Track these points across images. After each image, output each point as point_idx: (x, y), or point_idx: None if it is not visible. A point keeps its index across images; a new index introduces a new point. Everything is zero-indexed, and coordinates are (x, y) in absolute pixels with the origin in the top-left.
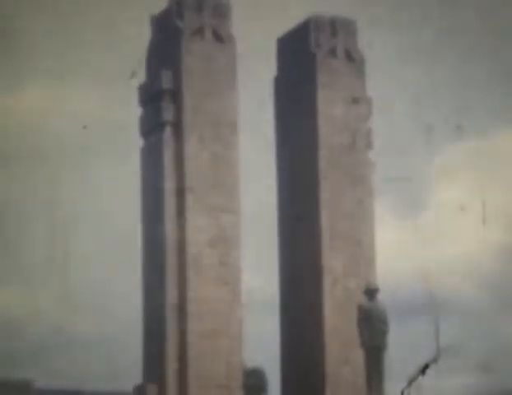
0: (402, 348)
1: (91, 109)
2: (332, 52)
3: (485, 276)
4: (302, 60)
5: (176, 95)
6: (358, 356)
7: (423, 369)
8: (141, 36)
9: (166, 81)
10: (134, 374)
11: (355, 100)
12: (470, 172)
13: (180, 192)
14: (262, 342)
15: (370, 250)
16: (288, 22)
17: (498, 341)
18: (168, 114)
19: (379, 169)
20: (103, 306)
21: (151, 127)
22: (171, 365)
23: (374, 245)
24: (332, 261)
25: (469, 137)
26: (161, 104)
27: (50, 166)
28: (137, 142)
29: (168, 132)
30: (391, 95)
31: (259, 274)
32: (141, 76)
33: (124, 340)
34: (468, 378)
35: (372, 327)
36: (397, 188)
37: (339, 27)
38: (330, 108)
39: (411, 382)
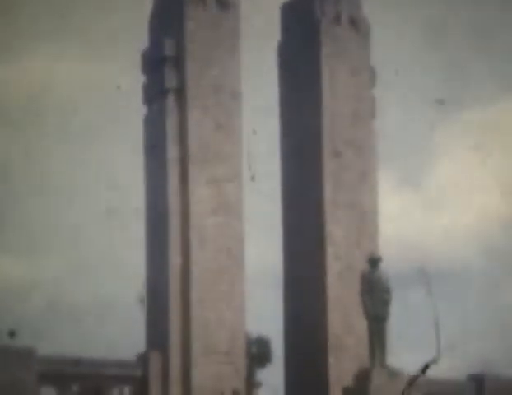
0: (404, 317)
1: (94, 76)
2: (337, 19)
3: (486, 244)
4: (306, 27)
5: (179, 63)
6: (361, 326)
7: (423, 369)
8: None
9: (169, 49)
10: (137, 343)
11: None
12: (471, 142)
13: (183, 161)
14: (265, 312)
15: (373, 221)
16: None
17: (498, 307)
18: (170, 82)
19: (382, 140)
20: (105, 276)
21: (154, 94)
22: (174, 334)
23: (378, 216)
24: (335, 231)
25: (472, 109)
26: (164, 71)
27: (50, 133)
28: (141, 109)
29: (171, 99)
30: (396, 65)
31: (262, 244)
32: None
33: (127, 309)
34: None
35: (375, 296)
36: (401, 158)
37: None
38: (334, 75)
39: (411, 382)
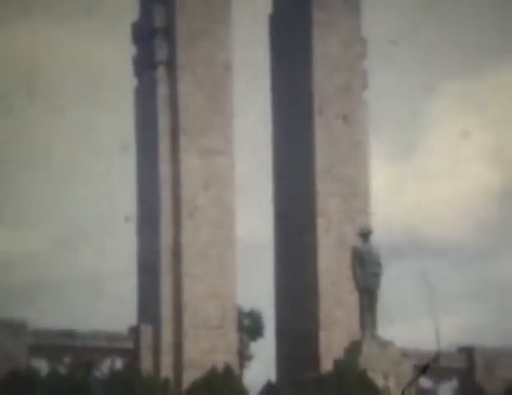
0: (395, 289)
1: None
2: None
3: (479, 217)
4: None
5: (169, 35)
6: (352, 298)
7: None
8: None
9: (159, 20)
10: (129, 316)
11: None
12: (465, 113)
13: (174, 133)
14: (256, 284)
15: (365, 193)
16: None
17: (486, 279)
18: (161, 53)
19: (374, 111)
20: (97, 248)
21: (145, 66)
22: (166, 307)
23: (369, 188)
24: (327, 204)
25: (463, 81)
26: (154, 42)
27: (39, 104)
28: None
29: (161, 71)
30: (388, 36)
31: (254, 216)
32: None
33: (119, 282)
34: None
35: (365, 269)
36: (393, 129)
37: None
38: (325, 47)
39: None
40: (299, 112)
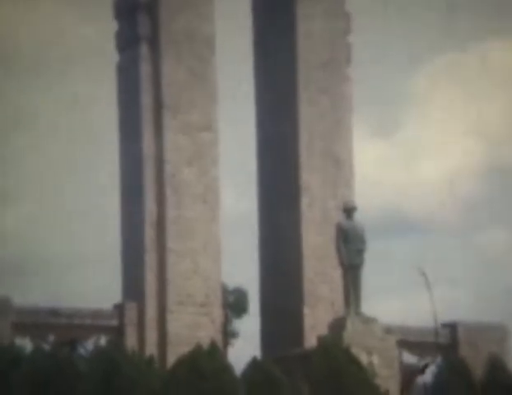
0: (379, 266)
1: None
2: None
3: (464, 193)
4: None
5: (152, 9)
6: (336, 275)
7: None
8: None
9: None
10: (113, 293)
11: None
12: (450, 89)
13: (157, 110)
14: (240, 261)
15: (349, 169)
16: None
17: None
18: (144, 29)
19: (358, 87)
20: (80, 225)
21: (127, 42)
22: (150, 284)
23: (353, 164)
24: (310, 180)
25: (449, 55)
26: (137, 18)
27: (22, 78)
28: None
29: (144, 47)
30: (372, 11)
31: (238, 192)
32: None
33: (103, 259)
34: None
35: (349, 245)
36: (377, 105)
37: None
38: (309, 22)
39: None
40: (282, 87)
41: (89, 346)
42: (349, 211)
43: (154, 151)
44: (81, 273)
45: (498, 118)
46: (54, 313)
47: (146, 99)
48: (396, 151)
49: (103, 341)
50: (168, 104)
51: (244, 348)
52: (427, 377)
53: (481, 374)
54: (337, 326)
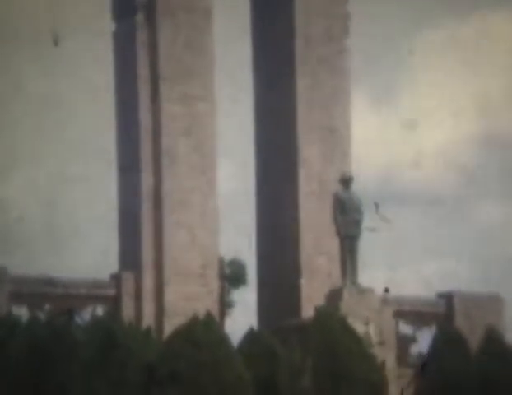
0: (376, 236)
1: None
2: None
3: (461, 165)
4: None
5: None
6: (333, 246)
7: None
8: None
9: None
10: (110, 264)
11: None
12: (449, 59)
13: (154, 81)
14: (237, 232)
15: (346, 140)
16: None
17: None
18: None
19: (356, 58)
20: (77, 195)
21: (123, 11)
22: (147, 255)
23: (350, 135)
24: (308, 152)
25: (450, 26)
26: None
27: (16, 49)
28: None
29: (141, 17)
30: None
31: (235, 163)
32: None
33: (100, 229)
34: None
35: (346, 216)
36: (374, 76)
37: None
38: None
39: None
40: (280, 59)
41: (86, 315)
42: (346, 181)
43: (151, 122)
44: (77, 243)
45: (497, 88)
46: (51, 282)
47: (143, 70)
48: (394, 122)
49: (100, 311)
50: (165, 75)
51: (242, 319)
52: (423, 347)
53: (476, 344)
54: (334, 296)
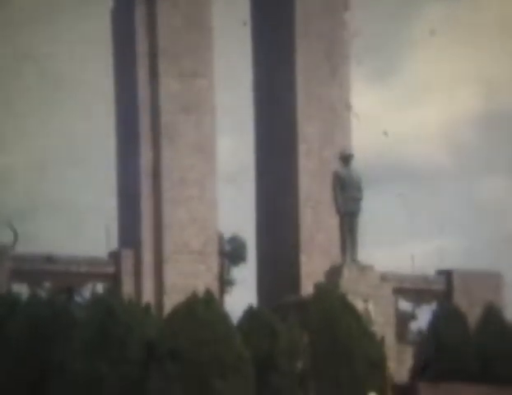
0: (376, 214)
1: None
2: None
3: (459, 141)
4: None
5: None
6: (332, 222)
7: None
8: None
9: None
10: (109, 241)
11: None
12: (449, 35)
13: (153, 56)
14: (237, 210)
15: (346, 117)
16: None
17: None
18: None
19: (355, 32)
20: (76, 172)
21: None
22: (146, 232)
23: (350, 112)
24: (308, 128)
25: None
26: None
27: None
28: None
29: None
30: None
31: (234, 140)
32: None
33: (99, 207)
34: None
35: (346, 193)
36: (375, 51)
37: None
38: None
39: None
40: (279, 34)
41: (85, 293)
42: (346, 158)
43: (149, 98)
44: (77, 220)
45: (497, 64)
46: (51, 260)
47: (141, 46)
48: (394, 98)
49: (99, 288)
50: (163, 51)
51: (241, 296)
52: (422, 323)
53: (475, 321)
54: (334, 273)
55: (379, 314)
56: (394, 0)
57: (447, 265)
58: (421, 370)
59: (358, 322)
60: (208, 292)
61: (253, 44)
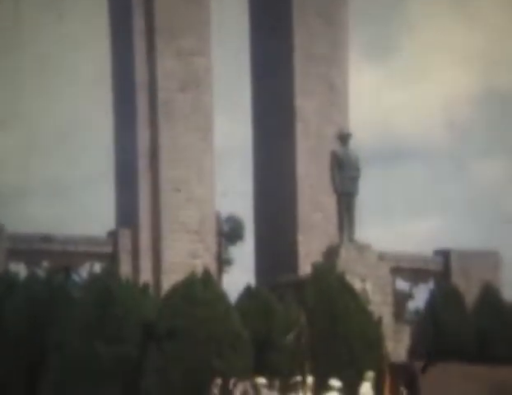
0: (373, 193)
1: None
2: None
3: (458, 121)
4: None
5: None
6: (330, 202)
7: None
8: None
9: None
10: (107, 220)
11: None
12: (448, 12)
13: (150, 34)
14: (234, 189)
15: (344, 94)
16: None
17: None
18: None
19: (354, 10)
20: (73, 152)
21: None
22: (144, 212)
23: (348, 89)
24: (305, 106)
25: None
26: None
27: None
28: None
29: None
30: None
31: (232, 119)
32: None
33: (97, 186)
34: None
35: (344, 173)
36: (374, 28)
37: None
38: None
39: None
40: (277, 11)
41: (83, 272)
42: (344, 138)
43: (146, 77)
44: (74, 199)
45: (495, 43)
46: (48, 239)
47: (138, 24)
48: (392, 76)
49: (97, 268)
50: (161, 28)
51: (239, 275)
52: (419, 303)
53: (473, 300)
54: (331, 253)
55: (377, 294)
56: None
57: (445, 244)
58: (419, 350)
59: (356, 302)
60: (206, 272)
61: (251, 21)
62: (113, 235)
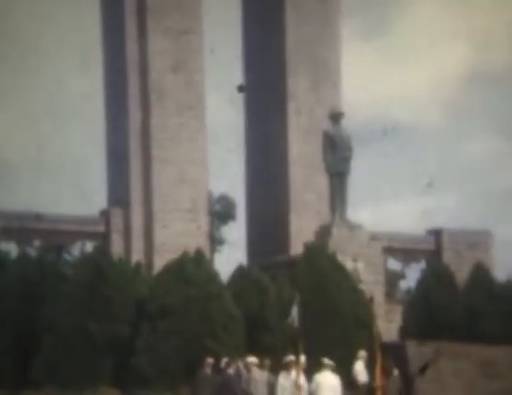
0: (365, 173)
1: None
2: None
3: (450, 100)
4: None
5: None
6: (322, 182)
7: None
8: None
9: None
10: (99, 200)
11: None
12: None
13: (141, 13)
14: (227, 169)
15: (337, 74)
16: None
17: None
18: None
19: None
20: (64, 131)
21: None
22: (136, 191)
23: (340, 69)
24: (298, 86)
25: None
26: None
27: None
28: None
29: None
30: None
31: (223, 100)
32: None
33: (88, 165)
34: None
35: (336, 153)
36: (366, 8)
37: None
38: None
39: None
40: None
41: (74, 251)
42: (336, 117)
43: (138, 56)
44: (65, 178)
45: (487, 23)
46: (39, 218)
47: (130, 3)
48: (384, 55)
49: (89, 247)
50: (152, 7)
51: (231, 255)
52: (411, 282)
53: (464, 280)
54: (323, 233)
55: (369, 273)
56: None
57: (436, 224)
58: (410, 329)
59: (347, 282)
60: (198, 251)
61: (243, 0)
62: (105, 214)
